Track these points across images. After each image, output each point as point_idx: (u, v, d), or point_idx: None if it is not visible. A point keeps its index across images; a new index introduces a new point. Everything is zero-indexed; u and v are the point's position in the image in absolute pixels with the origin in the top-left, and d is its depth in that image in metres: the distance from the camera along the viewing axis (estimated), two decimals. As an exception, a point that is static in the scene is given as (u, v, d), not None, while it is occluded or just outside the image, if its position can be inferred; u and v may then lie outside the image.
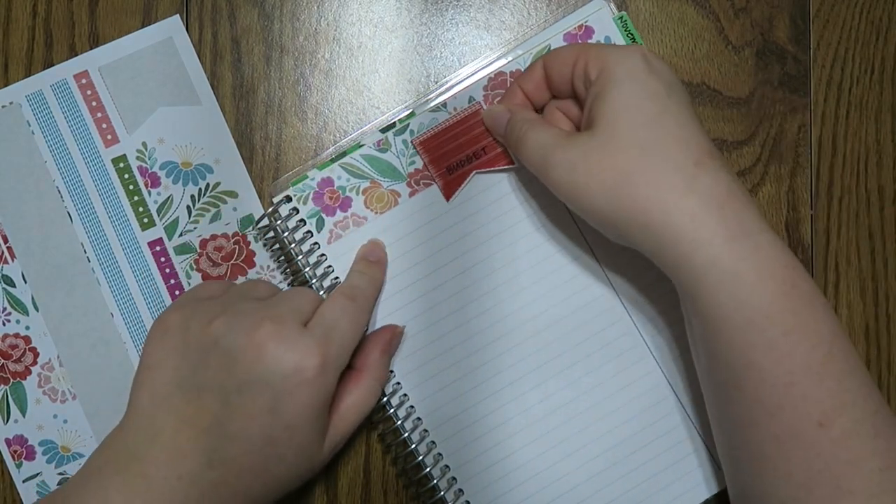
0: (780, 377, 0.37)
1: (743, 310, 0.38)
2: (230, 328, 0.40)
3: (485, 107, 0.48)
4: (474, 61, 0.50)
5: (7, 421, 0.48)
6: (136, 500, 0.39)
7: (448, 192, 0.48)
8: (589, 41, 0.48)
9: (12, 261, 0.48)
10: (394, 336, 0.46)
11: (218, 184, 0.49)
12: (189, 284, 0.49)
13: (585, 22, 0.48)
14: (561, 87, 0.44)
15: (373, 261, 0.47)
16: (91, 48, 0.49)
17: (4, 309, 0.48)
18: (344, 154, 0.48)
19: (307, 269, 0.47)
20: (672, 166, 0.39)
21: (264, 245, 0.49)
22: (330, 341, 0.41)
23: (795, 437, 0.37)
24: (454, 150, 0.48)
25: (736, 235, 0.38)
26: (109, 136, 0.49)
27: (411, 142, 0.48)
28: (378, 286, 0.47)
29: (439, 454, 0.47)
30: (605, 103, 0.40)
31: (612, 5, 0.49)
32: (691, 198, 0.38)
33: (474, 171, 0.48)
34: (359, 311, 0.43)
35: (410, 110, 0.48)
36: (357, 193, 0.47)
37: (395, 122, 0.48)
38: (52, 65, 0.49)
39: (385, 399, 0.47)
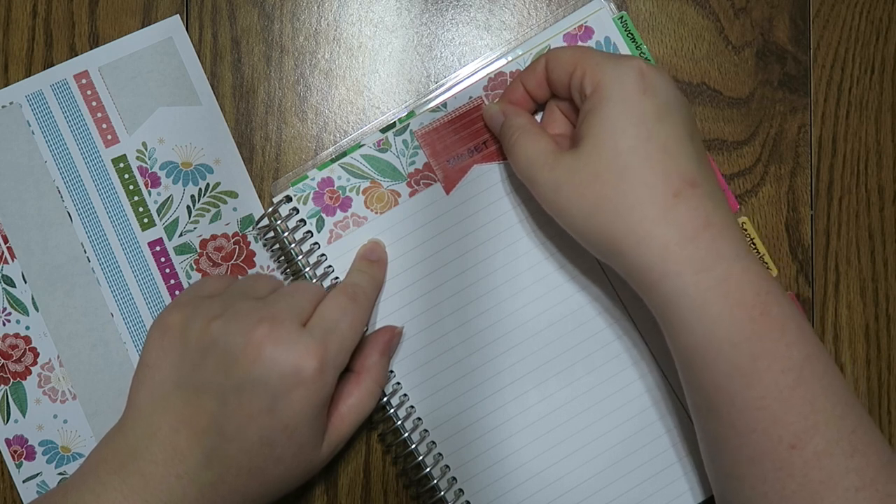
0: (750, 401, 0.38)
1: (710, 337, 0.38)
2: (228, 329, 0.40)
3: (486, 102, 0.48)
4: (474, 61, 0.50)
5: (7, 421, 0.48)
6: (135, 498, 0.39)
7: (449, 186, 0.48)
8: (588, 42, 0.48)
9: (12, 261, 0.48)
10: (393, 337, 0.46)
11: (218, 184, 0.49)
12: (189, 285, 0.48)
13: (585, 22, 0.49)
14: (560, 91, 0.44)
15: (373, 260, 0.47)
16: (91, 48, 0.49)
17: (4, 309, 0.48)
18: (344, 154, 0.48)
19: (307, 269, 0.47)
20: (648, 196, 0.39)
21: (264, 245, 0.49)
22: (329, 342, 0.40)
23: (768, 459, 0.37)
24: (455, 143, 0.48)
25: (706, 266, 0.38)
26: (109, 136, 0.49)
27: (413, 132, 0.48)
28: (378, 285, 0.47)
29: (439, 454, 0.47)
30: (594, 124, 0.40)
31: (612, 5, 0.49)
32: (664, 229, 0.39)
33: (475, 165, 0.48)
34: (359, 311, 0.43)
35: (410, 110, 0.48)
36: (357, 193, 0.47)
37: (395, 122, 0.48)
38: (52, 65, 0.49)
39: (385, 399, 0.47)
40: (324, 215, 0.47)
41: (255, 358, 0.39)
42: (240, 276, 0.48)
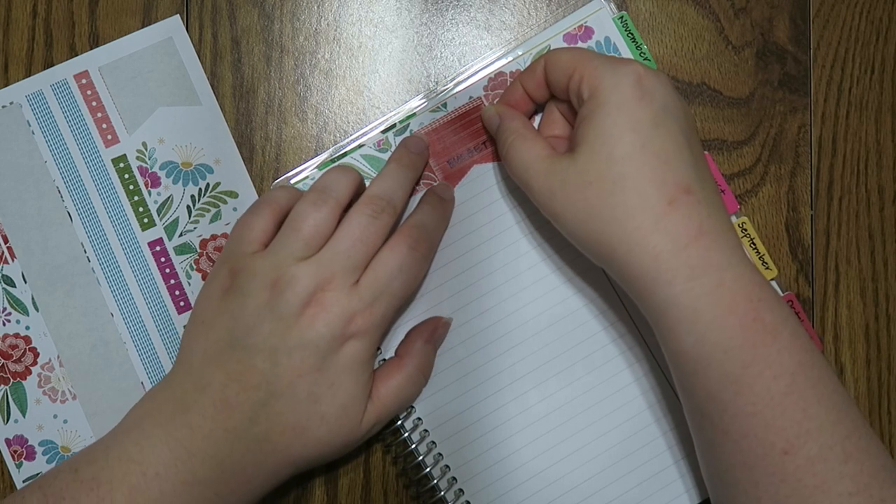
0: (742, 407, 0.38)
1: (701, 345, 0.38)
2: (283, 298, 0.40)
3: (485, 103, 0.48)
4: (474, 61, 0.50)
5: (7, 421, 0.48)
6: (180, 451, 0.40)
7: (448, 190, 0.48)
8: (588, 42, 0.48)
9: (12, 261, 0.48)
10: (438, 326, 0.46)
11: (218, 184, 0.49)
12: (189, 285, 0.49)
13: (585, 22, 0.49)
14: (558, 93, 0.44)
15: (446, 199, 0.47)
16: (91, 48, 0.49)
17: (4, 309, 0.48)
18: (344, 154, 0.48)
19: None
20: (642, 204, 0.39)
21: (264, 245, 0.49)
22: (378, 303, 0.41)
23: (761, 464, 0.38)
24: (455, 143, 0.48)
25: (698, 274, 0.38)
26: (109, 136, 0.49)
27: (413, 132, 0.48)
28: (445, 225, 0.47)
29: (439, 454, 0.47)
30: (590, 130, 0.40)
31: (612, 5, 0.49)
32: (656, 237, 0.39)
33: (475, 165, 0.48)
34: (416, 264, 0.43)
35: (411, 111, 0.48)
36: (357, 193, 0.47)
37: (395, 123, 0.48)
38: (52, 65, 0.49)
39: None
40: (324, 215, 0.47)
41: (309, 324, 0.40)
42: (276, 195, 0.45)
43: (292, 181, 0.48)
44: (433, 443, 0.47)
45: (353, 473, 0.49)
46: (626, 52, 0.49)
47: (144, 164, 0.49)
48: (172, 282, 0.49)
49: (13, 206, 0.48)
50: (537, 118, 0.48)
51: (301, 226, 0.42)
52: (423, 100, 0.49)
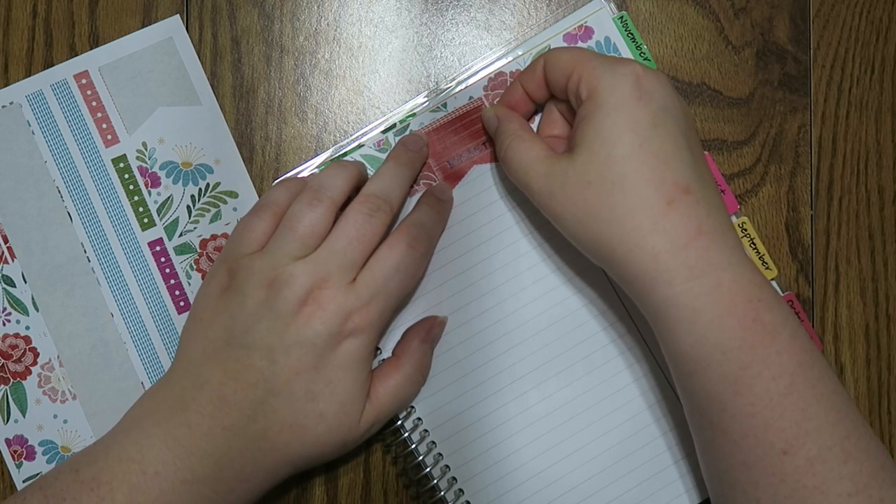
0: (741, 408, 0.38)
1: (701, 345, 0.38)
2: (282, 295, 0.40)
3: (486, 103, 0.48)
4: (474, 61, 0.50)
5: (7, 421, 0.48)
6: (179, 450, 0.40)
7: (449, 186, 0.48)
8: (588, 42, 0.48)
9: (12, 261, 0.48)
10: (434, 326, 0.46)
11: (218, 184, 0.49)
12: (189, 285, 0.49)
13: (585, 22, 0.49)
14: (558, 93, 0.44)
15: (443, 199, 0.47)
16: (91, 48, 0.49)
17: (4, 309, 0.48)
18: (344, 154, 0.48)
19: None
20: (640, 204, 0.39)
21: (264, 245, 0.49)
22: (375, 302, 0.41)
23: (760, 464, 0.38)
24: (455, 143, 0.48)
25: (697, 274, 0.38)
26: (109, 136, 0.49)
27: (412, 132, 0.48)
28: (443, 226, 0.47)
29: (439, 454, 0.47)
30: (589, 131, 0.40)
31: (612, 5, 0.49)
32: (655, 238, 0.39)
33: (475, 165, 0.48)
34: (415, 263, 0.43)
35: (411, 111, 0.48)
36: (357, 193, 0.47)
37: (395, 123, 0.48)
38: (52, 65, 0.49)
39: (385, 399, 0.47)
40: (324, 215, 0.47)
41: (306, 322, 0.40)
42: (274, 194, 0.45)
43: (292, 181, 0.48)
44: (433, 443, 0.47)
45: (353, 473, 0.49)
46: (626, 52, 0.49)
47: (144, 164, 0.49)
48: (172, 282, 0.49)
49: (13, 206, 0.48)
50: (537, 118, 0.48)
51: (296, 226, 0.42)
52: (424, 100, 0.49)
